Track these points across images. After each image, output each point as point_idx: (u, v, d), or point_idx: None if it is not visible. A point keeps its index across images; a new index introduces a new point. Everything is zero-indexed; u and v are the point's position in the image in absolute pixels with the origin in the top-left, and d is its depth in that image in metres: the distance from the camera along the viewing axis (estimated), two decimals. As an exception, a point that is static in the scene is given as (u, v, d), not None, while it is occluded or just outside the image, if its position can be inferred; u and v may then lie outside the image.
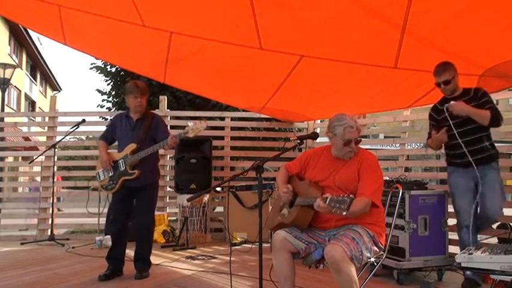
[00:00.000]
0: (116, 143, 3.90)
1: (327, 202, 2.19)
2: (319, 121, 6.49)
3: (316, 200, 2.26)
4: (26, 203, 7.13)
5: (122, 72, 9.93)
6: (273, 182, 5.74)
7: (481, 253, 2.33)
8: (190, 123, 3.50)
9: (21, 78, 22.41)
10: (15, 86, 21.06)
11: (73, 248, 5.16)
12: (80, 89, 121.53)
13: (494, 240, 4.03)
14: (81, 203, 5.88)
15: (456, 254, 2.54)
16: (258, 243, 2.37)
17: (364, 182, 2.46)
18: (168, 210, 6.22)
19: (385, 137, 12.63)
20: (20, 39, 22.23)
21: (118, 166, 3.70)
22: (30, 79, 25.64)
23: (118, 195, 3.77)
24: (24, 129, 11.53)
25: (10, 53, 20.74)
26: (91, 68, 10.45)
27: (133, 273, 3.73)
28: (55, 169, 5.95)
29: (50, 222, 5.76)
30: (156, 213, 5.89)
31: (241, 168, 7.08)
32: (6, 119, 8.06)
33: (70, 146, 10.30)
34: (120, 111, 4.95)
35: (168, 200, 6.30)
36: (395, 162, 5.53)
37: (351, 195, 2.15)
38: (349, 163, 2.57)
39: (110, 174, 3.73)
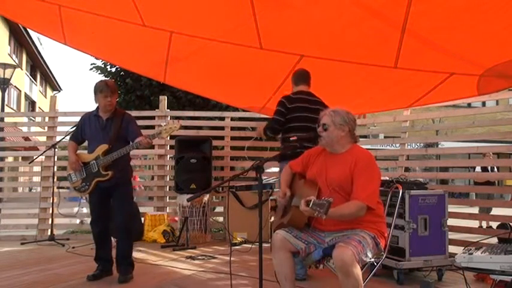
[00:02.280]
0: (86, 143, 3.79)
1: (310, 205, 2.18)
2: (319, 121, 6.47)
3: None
4: None
5: (122, 72, 9.97)
6: (273, 182, 5.74)
7: (481, 253, 2.33)
8: (163, 123, 3.48)
9: (21, 78, 22.42)
10: (15, 86, 21.07)
11: (73, 248, 5.15)
12: (80, 89, 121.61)
13: (494, 240, 4.03)
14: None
15: (456, 254, 2.54)
16: (258, 243, 2.37)
17: (358, 185, 2.38)
18: (168, 210, 6.22)
19: (385, 137, 12.63)
20: (20, 39, 22.25)
21: (91, 167, 3.60)
22: (30, 79, 25.66)
23: (93, 198, 3.70)
24: (24, 129, 11.55)
25: (10, 53, 20.75)
26: (91, 68, 10.49)
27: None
28: (55, 169, 5.95)
29: (50, 222, 5.76)
30: (156, 213, 5.95)
31: (241, 168, 7.08)
32: (6, 119, 8.07)
33: (70, 146, 10.28)
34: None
35: (168, 200, 6.30)
36: (395, 162, 5.53)
37: (329, 199, 2.14)
38: (341, 161, 2.50)
39: (83, 176, 3.64)
